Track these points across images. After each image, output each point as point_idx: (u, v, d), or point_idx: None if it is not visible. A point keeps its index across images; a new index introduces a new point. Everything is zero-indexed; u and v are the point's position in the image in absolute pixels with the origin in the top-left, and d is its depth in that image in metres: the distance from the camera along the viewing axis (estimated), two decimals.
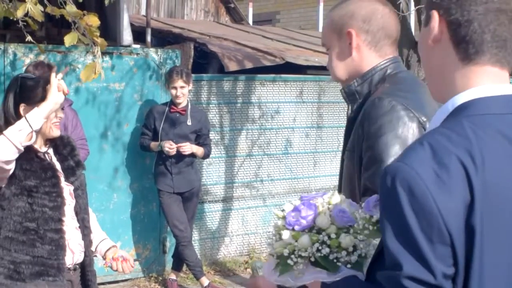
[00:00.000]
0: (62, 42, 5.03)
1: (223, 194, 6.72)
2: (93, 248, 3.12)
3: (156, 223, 6.24)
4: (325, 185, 7.15)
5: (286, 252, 1.59)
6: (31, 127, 2.74)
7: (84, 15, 3.32)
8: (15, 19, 3.53)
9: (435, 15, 1.37)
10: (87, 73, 3.26)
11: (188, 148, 5.61)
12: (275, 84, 6.86)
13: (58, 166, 2.98)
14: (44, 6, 3.53)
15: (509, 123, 1.30)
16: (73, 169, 3.04)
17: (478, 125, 1.28)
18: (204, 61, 7.02)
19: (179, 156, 5.65)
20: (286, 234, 1.60)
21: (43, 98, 2.83)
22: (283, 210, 1.65)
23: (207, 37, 7.68)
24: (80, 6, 3.57)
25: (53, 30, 8.67)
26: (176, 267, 6.04)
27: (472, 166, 1.23)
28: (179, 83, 5.62)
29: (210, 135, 5.97)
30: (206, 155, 5.88)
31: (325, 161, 7.24)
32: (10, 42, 6.07)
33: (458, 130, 1.27)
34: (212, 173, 6.60)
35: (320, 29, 11.01)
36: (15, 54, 5.43)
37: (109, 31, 6.29)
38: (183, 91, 5.65)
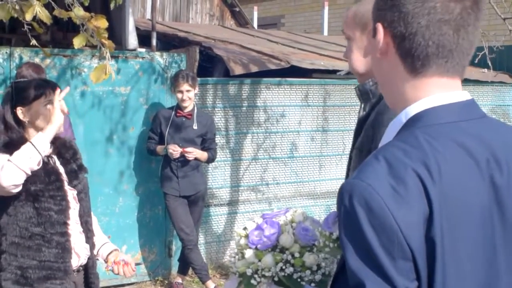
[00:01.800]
0: (67, 46, 5.04)
1: (229, 197, 6.71)
2: (95, 252, 3.13)
3: (162, 226, 6.23)
4: (331, 189, 7.14)
5: (249, 271, 1.56)
6: (40, 154, 2.81)
7: (92, 17, 3.32)
8: (23, 21, 3.53)
9: (380, 27, 1.34)
10: (98, 74, 3.25)
11: (191, 155, 5.61)
12: (281, 87, 6.85)
13: (61, 169, 2.99)
14: (52, 9, 3.54)
15: (462, 131, 1.28)
16: (76, 172, 3.05)
17: (432, 135, 1.26)
18: (210, 65, 7.02)
19: (185, 160, 5.65)
20: (249, 253, 1.57)
21: (35, 97, 2.91)
22: (245, 229, 1.62)
23: (213, 41, 7.68)
24: (85, 10, 3.57)
25: (58, 33, 8.68)
26: (182, 271, 6.04)
27: (428, 178, 1.20)
28: (185, 87, 5.63)
29: (215, 139, 5.96)
30: (211, 160, 5.88)
31: (330, 164, 7.22)
32: (15, 46, 6.08)
33: (413, 142, 1.25)
34: (217, 177, 6.59)
35: (325, 33, 11.05)
36: (21, 58, 5.43)
37: (114, 35, 6.29)
38: (189, 95, 5.66)
